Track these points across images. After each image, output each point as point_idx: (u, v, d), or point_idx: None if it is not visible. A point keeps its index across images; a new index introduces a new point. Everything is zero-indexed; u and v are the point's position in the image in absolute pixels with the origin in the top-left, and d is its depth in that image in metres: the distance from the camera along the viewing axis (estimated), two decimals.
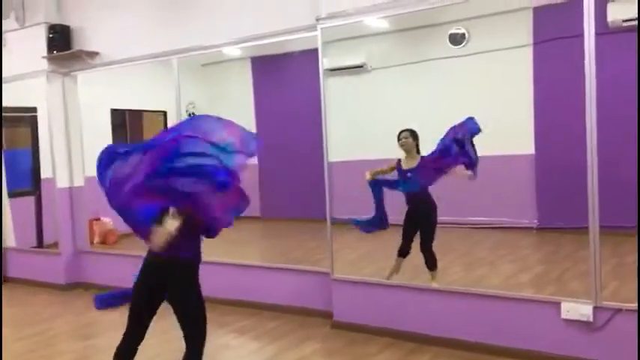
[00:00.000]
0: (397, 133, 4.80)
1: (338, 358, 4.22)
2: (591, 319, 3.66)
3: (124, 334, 3.13)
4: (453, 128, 4.69)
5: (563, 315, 3.76)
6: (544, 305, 3.87)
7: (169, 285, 2.99)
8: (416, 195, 4.80)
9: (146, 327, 3.10)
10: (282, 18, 4.95)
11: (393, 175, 4.82)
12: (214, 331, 4.80)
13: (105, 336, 5.05)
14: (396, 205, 4.88)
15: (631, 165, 5.64)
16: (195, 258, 3.05)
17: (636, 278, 3.56)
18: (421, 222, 4.84)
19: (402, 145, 4.77)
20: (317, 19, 4.63)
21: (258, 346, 4.53)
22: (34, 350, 4.62)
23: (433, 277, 4.76)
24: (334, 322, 4.74)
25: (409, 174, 4.74)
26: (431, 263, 4.78)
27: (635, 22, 5.47)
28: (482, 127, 4.66)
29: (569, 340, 3.75)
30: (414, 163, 4.74)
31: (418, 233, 4.85)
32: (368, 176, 4.74)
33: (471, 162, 4.67)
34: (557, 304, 3.79)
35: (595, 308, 3.66)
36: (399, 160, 4.80)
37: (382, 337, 4.41)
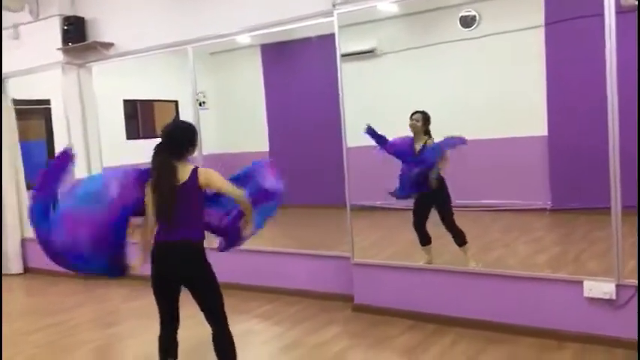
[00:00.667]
0: (410, 114, 4.92)
1: (360, 340, 4.28)
2: (614, 297, 3.70)
3: (160, 323, 3.16)
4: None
5: (586, 293, 3.80)
6: (566, 284, 3.91)
7: (185, 269, 3.00)
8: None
9: (173, 315, 3.13)
10: (297, 4, 4.96)
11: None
12: (237, 317, 4.88)
13: (127, 324, 5.14)
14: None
15: None
16: (203, 238, 3.08)
17: (637, 264, 3.61)
18: (434, 199, 4.90)
19: (410, 127, 4.91)
20: (333, 5, 4.64)
21: (282, 331, 4.59)
22: (54, 341, 4.67)
23: (466, 253, 4.80)
24: (355, 305, 4.79)
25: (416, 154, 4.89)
26: (460, 239, 4.82)
27: None
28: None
29: (591, 318, 3.79)
30: (419, 146, 4.88)
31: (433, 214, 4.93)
32: None
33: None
34: (580, 283, 3.83)
35: (617, 286, 3.70)
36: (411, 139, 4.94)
37: (403, 320, 4.47)
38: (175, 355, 3.17)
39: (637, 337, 3.51)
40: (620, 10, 4.46)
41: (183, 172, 2.98)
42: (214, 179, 2.99)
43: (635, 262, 4.49)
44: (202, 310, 3.07)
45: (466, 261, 4.76)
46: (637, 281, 3.61)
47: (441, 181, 4.84)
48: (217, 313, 3.07)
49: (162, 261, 2.98)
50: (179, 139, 3.06)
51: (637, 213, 3.78)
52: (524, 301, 4.05)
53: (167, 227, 2.96)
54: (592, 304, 3.79)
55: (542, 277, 4.06)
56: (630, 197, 3.85)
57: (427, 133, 4.90)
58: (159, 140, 3.07)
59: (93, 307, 5.66)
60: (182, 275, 3.01)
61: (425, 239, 4.99)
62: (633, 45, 5.28)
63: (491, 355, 3.78)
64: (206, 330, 3.12)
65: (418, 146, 4.90)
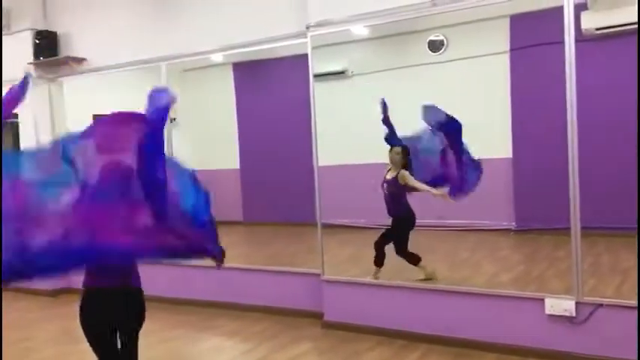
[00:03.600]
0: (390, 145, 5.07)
1: (329, 356, 4.33)
2: (574, 314, 3.84)
3: None
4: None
5: (547, 310, 3.93)
6: (528, 301, 4.04)
7: (126, 317, 2.86)
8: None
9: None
10: (272, 25, 5.07)
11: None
12: (203, 334, 4.89)
13: None
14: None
15: (604, 168, 5.90)
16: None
17: (637, 277, 3.73)
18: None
19: (390, 159, 5.02)
20: (307, 27, 4.75)
21: (250, 347, 4.60)
22: (23, 356, 4.61)
23: (423, 270, 4.92)
24: (325, 321, 4.85)
25: (385, 184, 5.01)
26: (412, 260, 4.95)
27: (608, 31, 5.72)
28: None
29: (553, 334, 3.92)
30: (390, 176, 5.01)
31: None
32: None
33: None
34: (541, 301, 3.97)
35: (577, 303, 3.85)
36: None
37: (372, 336, 4.54)
38: None
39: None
40: (581, 39, 4.69)
41: None
42: None
43: (593, 281, 4.67)
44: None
45: (420, 273, 4.90)
46: (637, 302, 3.68)
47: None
48: None
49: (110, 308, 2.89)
50: None
51: (637, 233, 3.92)
52: (489, 318, 4.17)
53: None
54: (553, 320, 3.93)
55: (506, 294, 4.19)
56: (589, 218, 4.01)
57: (404, 166, 5.00)
58: None
59: (59, 324, 5.58)
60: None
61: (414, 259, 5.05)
62: (593, 72, 5.55)
63: None
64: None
65: (389, 176, 5.01)
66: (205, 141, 9.42)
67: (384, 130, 5.16)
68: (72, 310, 5.90)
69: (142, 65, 5.98)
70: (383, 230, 5.14)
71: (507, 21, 6.75)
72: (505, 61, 6.86)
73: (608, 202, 5.99)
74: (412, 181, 4.86)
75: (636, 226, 4.08)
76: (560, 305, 3.89)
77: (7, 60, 6.56)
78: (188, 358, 4.43)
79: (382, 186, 5.02)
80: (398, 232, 5.01)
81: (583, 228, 3.89)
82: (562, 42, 3.87)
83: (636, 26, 4.06)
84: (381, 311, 4.60)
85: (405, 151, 5.00)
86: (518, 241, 6.90)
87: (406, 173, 4.89)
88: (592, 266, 5.26)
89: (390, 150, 5.02)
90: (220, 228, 2.97)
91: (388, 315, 4.56)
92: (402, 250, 4.96)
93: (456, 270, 5.64)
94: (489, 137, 6.82)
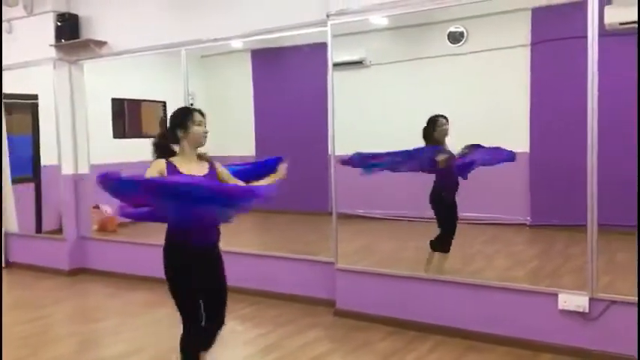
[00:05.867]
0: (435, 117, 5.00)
1: (340, 344, 4.35)
2: (587, 310, 3.83)
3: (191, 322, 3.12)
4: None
5: (560, 306, 3.92)
6: (542, 296, 4.03)
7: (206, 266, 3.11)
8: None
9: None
10: (292, 13, 5.06)
11: None
12: None
13: (110, 320, 5.17)
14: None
15: (623, 165, 5.84)
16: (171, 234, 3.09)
17: (636, 274, 3.72)
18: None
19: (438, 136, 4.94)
20: (327, 15, 4.75)
21: (263, 332, 4.64)
22: (38, 334, 4.70)
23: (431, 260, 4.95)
24: (337, 309, 4.88)
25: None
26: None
27: (633, 26, 5.64)
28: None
29: (565, 329, 3.92)
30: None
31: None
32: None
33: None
34: (555, 296, 3.96)
35: (591, 300, 3.83)
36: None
37: (384, 326, 4.56)
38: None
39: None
40: (604, 34, 4.63)
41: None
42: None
43: (608, 278, 4.65)
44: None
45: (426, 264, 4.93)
46: (637, 299, 3.65)
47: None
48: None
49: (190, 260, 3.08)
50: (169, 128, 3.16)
51: (637, 231, 3.89)
52: (502, 312, 4.17)
53: None
54: (566, 316, 3.92)
55: (520, 288, 4.18)
56: (606, 215, 3.99)
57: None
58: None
59: (76, 303, 5.69)
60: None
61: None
62: (615, 67, 5.48)
63: None
64: None
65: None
66: (221, 127, 9.44)
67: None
68: (89, 288, 6.05)
69: (162, 50, 6.00)
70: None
71: (529, 14, 6.69)
72: (526, 54, 6.81)
73: (626, 200, 5.93)
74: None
75: None
76: (574, 301, 3.88)
77: (29, 41, 6.65)
78: None
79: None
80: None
81: (599, 225, 3.87)
82: (585, 36, 3.83)
83: None
84: (393, 301, 4.61)
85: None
86: (534, 236, 6.88)
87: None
88: (607, 264, 5.22)
89: (435, 128, 4.93)
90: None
91: (400, 305, 4.57)
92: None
93: (470, 263, 5.64)
94: (507, 131, 6.79)
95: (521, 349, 4.02)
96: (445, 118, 4.97)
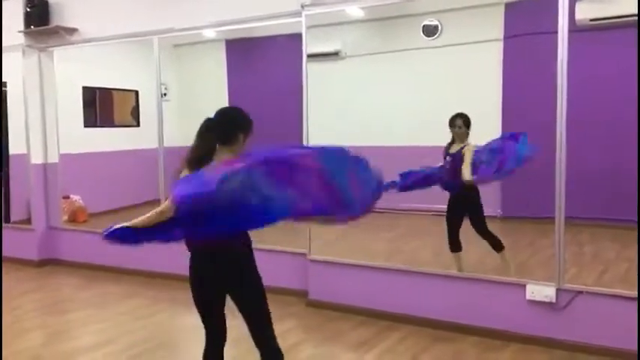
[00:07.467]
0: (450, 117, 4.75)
1: (313, 334, 4.39)
2: (554, 300, 3.91)
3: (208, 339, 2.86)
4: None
5: (528, 296, 4.00)
6: (510, 287, 4.11)
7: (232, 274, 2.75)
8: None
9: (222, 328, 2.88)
10: (266, 3, 5.03)
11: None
12: (187, 310, 4.91)
13: (80, 311, 5.11)
14: None
15: (590, 160, 5.95)
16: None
17: (637, 270, 3.79)
18: (468, 204, 4.77)
19: (455, 135, 4.71)
20: (302, 6, 4.73)
21: (233, 324, 4.62)
22: (4, 326, 4.56)
23: (504, 259, 4.72)
24: (309, 300, 4.90)
25: (449, 157, 4.69)
26: (497, 245, 4.74)
27: (603, 22, 5.74)
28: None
29: (533, 319, 4.00)
30: (457, 148, 4.68)
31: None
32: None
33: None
34: (523, 286, 4.04)
35: (558, 290, 3.91)
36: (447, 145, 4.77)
37: (356, 316, 4.60)
38: None
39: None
40: (575, 29, 4.70)
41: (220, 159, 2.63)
42: None
43: (575, 270, 4.75)
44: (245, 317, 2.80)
45: (505, 267, 4.70)
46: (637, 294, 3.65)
47: (476, 188, 4.68)
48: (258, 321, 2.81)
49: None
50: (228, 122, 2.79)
51: (637, 226, 3.94)
52: (471, 302, 4.24)
53: None
54: (534, 306, 4.00)
55: (489, 279, 4.25)
56: (574, 209, 4.07)
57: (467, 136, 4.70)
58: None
59: (45, 294, 5.61)
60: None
61: (456, 246, 4.89)
62: (585, 62, 5.57)
63: (436, 352, 3.94)
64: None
65: (454, 149, 4.70)
66: (195, 117, 9.31)
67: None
68: (58, 280, 5.96)
69: (134, 38, 5.92)
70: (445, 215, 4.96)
71: (502, 8, 6.75)
72: (499, 48, 6.87)
73: (594, 193, 6.07)
74: (467, 158, 4.45)
75: (626, 217, 4.13)
76: (541, 291, 3.95)
77: None
78: (171, 332, 4.47)
79: (445, 159, 4.73)
80: (469, 205, 4.76)
81: (568, 218, 3.96)
82: (556, 32, 3.88)
83: (629, 19, 4.09)
84: (364, 292, 4.65)
85: (467, 121, 4.67)
86: (504, 228, 6.95)
87: (471, 147, 4.51)
88: (575, 255, 5.33)
89: (452, 126, 4.68)
90: None
91: (372, 296, 4.62)
92: (484, 230, 4.75)
93: (440, 254, 5.69)
94: (480, 124, 6.81)
95: (490, 338, 4.10)
96: (462, 118, 4.68)
